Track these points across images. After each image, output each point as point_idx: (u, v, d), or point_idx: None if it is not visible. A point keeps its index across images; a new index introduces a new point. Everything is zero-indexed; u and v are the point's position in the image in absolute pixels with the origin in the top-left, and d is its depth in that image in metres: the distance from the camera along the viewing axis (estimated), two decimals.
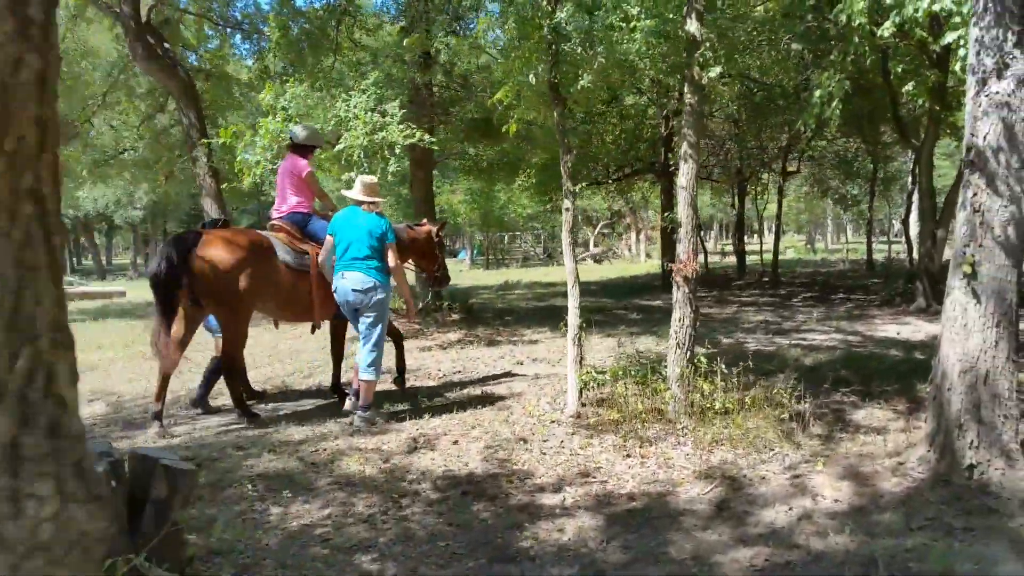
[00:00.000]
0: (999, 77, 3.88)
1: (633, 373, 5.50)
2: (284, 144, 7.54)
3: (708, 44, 5.16)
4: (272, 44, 11.24)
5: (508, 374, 7.47)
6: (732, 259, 25.45)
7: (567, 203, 5.67)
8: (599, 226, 44.21)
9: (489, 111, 9.70)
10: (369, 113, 8.37)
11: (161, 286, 5.22)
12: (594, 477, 4.29)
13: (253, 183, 8.71)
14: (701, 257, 23.00)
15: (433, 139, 9.08)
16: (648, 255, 36.60)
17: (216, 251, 5.31)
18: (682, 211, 5.07)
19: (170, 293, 5.26)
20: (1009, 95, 3.85)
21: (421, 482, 4.26)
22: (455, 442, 4.99)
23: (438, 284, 7.32)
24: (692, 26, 5.10)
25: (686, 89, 5.24)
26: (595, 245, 42.79)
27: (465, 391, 6.72)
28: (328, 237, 5.68)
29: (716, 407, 4.91)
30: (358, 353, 5.60)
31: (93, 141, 16.49)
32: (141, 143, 16.39)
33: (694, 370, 5.11)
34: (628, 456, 4.58)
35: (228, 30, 14.35)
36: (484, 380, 7.22)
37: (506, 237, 40.61)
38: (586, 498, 4.00)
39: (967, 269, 4.02)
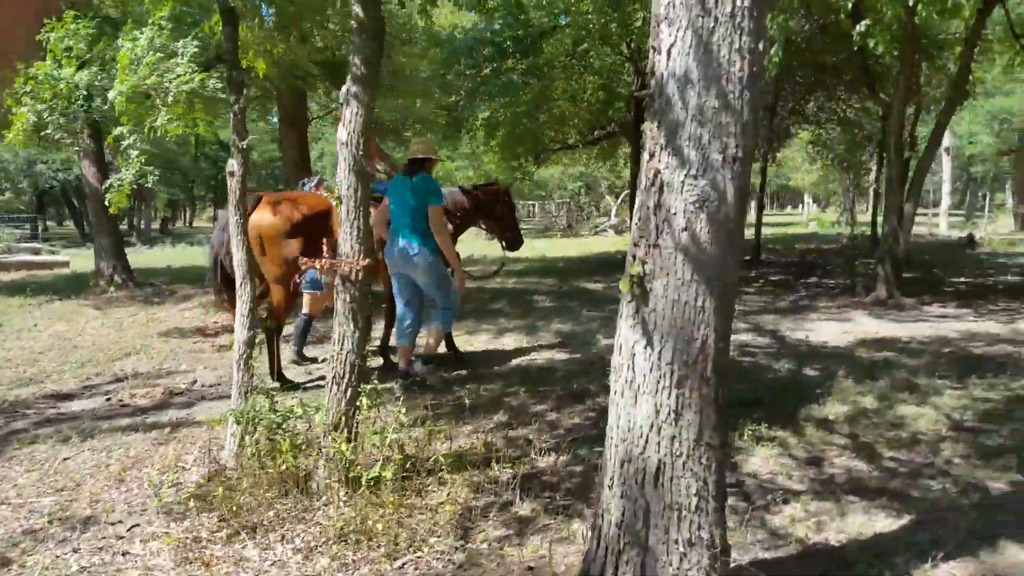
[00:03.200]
0: None
1: (304, 411, 3.87)
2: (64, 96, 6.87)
3: None
4: None
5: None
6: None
7: (233, 163, 4.03)
8: (621, 195, 42.04)
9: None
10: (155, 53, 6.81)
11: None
12: None
13: (23, 142, 7.28)
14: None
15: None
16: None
17: (268, 215, 5.45)
18: (344, 179, 3.42)
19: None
20: None
21: None
22: None
23: (511, 247, 7.05)
24: None
25: None
26: (616, 215, 40.68)
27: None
28: (384, 199, 5.66)
29: (373, 474, 3.32)
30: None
31: None
32: None
33: (355, 413, 3.51)
34: (187, 562, 3.03)
35: None
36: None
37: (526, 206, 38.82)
38: None
39: (626, 287, 2.35)
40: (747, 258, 16.28)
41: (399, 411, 3.51)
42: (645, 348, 2.31)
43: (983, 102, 24.83)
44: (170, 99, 6.63)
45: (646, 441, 2.33)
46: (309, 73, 9.01)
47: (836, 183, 30.72)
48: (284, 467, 3.40)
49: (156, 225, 41.71)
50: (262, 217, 5.44)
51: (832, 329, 7.92)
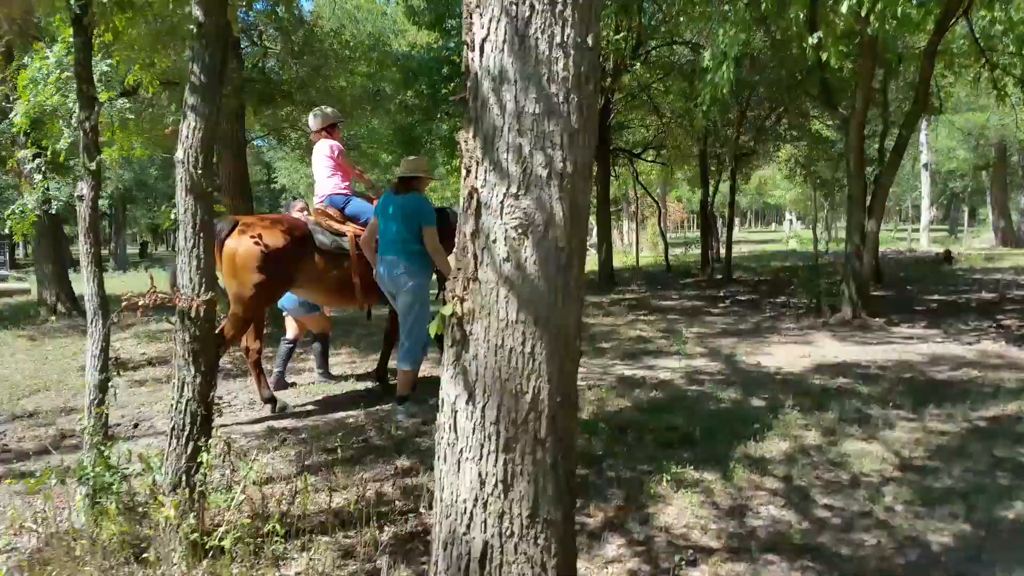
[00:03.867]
0: None
1: (147, 466, 3.38)
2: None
3: None
4: None
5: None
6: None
7: (82, 186, 3.60)
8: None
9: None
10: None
11: None
12: None
13: None
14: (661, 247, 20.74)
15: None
16: (631, 245, 33.90)
17: (243, 239, 5.21)
18: (180, 201, 3.00)
19: None
20: None
21: None
22: None
23: None
24: None
25: None
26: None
27: None
28: (373, 219, 5.51)
29: (214, 543, 2.86)
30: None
31: None
32: None
33: (197, 470, 3.07)
34: None
35: None
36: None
37: None
38: None
39: (436, 328, 1.95)
40: (718, 277, 15.97)
41: (248, 466, 3.07)
42: (467, 404, 1.90)
43: (957, 117, 24.74)
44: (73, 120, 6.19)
45: (470, 518, 1.91)
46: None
47: (813, 201, 30.52)
48: (117, 534, 2.94)
49: (136, 250, 41.16)
50: (239, 243, 5.22)
51: (790, 353, 7.53)
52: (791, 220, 48.19)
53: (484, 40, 1.84)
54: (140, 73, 4.86)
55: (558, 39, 1.80)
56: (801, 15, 7.91)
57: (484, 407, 1.88)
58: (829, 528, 3.43)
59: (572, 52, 1.82)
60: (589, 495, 3.79)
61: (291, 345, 6.55)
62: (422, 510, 3.59)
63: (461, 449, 1.92)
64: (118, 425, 5.35)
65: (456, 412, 1.93)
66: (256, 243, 5.22)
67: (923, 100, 8.85)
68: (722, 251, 17.79)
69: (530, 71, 1.80)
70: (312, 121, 6.33)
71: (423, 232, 5.15)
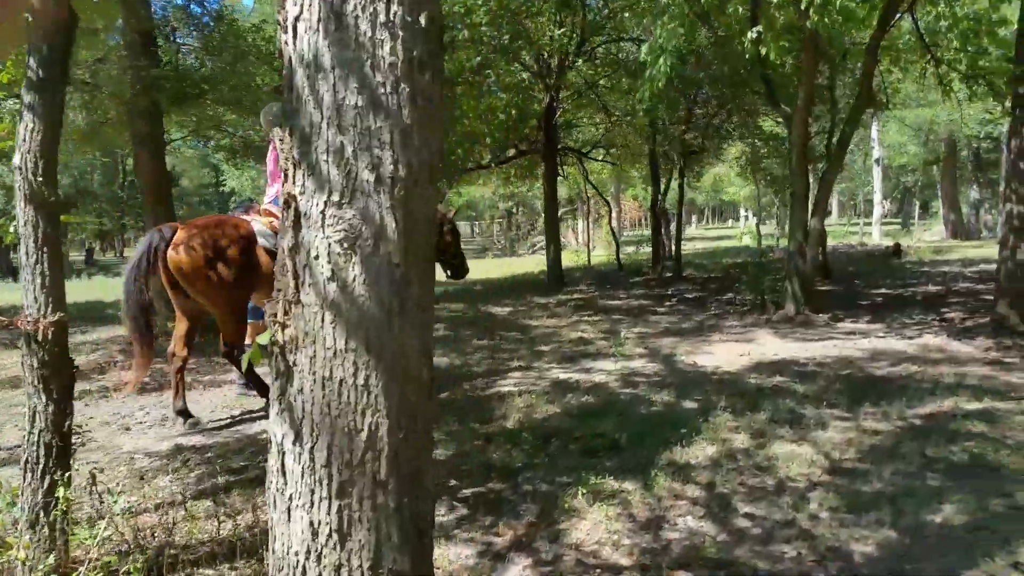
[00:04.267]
0: None
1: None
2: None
3: None
4: None
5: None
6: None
7: None
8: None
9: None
10: None
11: (136, 285, 5.04)
12: None
13: None
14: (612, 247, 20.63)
15: None
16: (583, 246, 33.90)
17: (189, 244, 5.07)
18: (21, 213, 2.69)
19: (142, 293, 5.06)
20: None
21: None
22: None
23: (455, 275, 6.87)
24: None
25: None
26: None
27: None
28: None
29: None
30: None
31: None
32: None
33: (55, 506, 2.77)
34: None
35: None
36: None
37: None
38: None
39: (255, 356, 1.71)
40: (668, 275, 15.92)
41: (114, 497, 2.79)
42: (294, 445, 1.66)
43: (907, 113, 25.10)
44: None
45: (303, 572, 1.67)
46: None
47: (768, 197, 30.85)
48: None
49: (81, 256, 39.94)
50: (180, 253, 5.11)
51: (730, 352, 7.42)
52: (746, 216, 48.73)
53: (297, 19, 1.60)
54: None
55: (382, 18, 1.57)
56: (740, 9, 7.81)
57: (313, 448, 1.64)
58: (748, 539, 3.26)
59: (401, 34, 1.58)
60: (501, 512, 3.58)
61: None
62: None
63: (291, 496, 1.68)
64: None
65: (284, 454, 1.69)
66: (199, 247, 5.10)
67: (866, 96, 8.80)
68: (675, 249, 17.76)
69: (350, 56, 1.56)
70: (263, 120, 6.17)
71: None
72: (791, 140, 9.39)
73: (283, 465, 1.69)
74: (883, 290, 12.23)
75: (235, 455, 4.59)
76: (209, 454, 4.68)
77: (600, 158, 19.25)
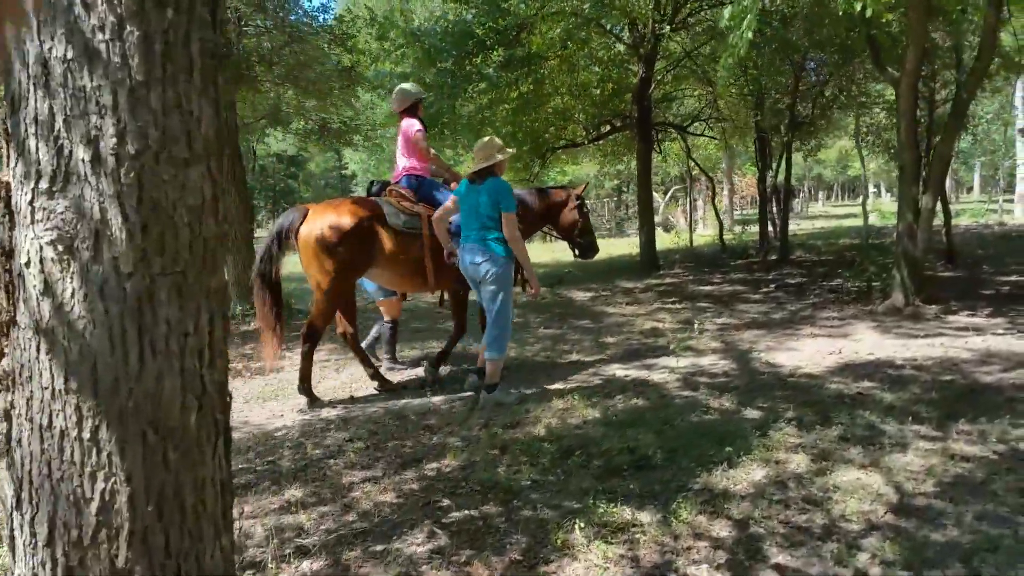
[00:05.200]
0: None
1: None
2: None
3: None
4: None
5: None
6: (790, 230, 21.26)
7: None
8: (671, 190, 40.27)
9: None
10: None
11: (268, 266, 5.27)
12: None
13: None
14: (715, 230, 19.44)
15: None
16: (696, 224, 32.35)
17: (314, 225, 5.27)
18: None
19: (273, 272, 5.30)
20: None
21: None
22: None
23: (583, 254, 6.65)
24: None
25: None
26: (662, 212, 38.88)
27: None
28: (449, 199, 5.39)
29: None
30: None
31: None
32: None
33: None
34: None
35: None
36: None
37: None
38: None
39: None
40: (773, 258, 14.80)
41: None
42: (17, 512, 1.26)
43: None
44: None
45: None
46: None
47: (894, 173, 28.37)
48: None
49: None
50: (311, 228, 5.30)
51: (818, 349, 6.58)
52: (876, 192, 45.42)
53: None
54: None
55: None
56: None
57: (34, 520, 1.24)
58: None
59: None
60: (484, 544, 3.11)
61: (392, 326, 6.65)
62: (272, 564, 3.00)
63: (15, 542, 1.29)
64: None
65: (12, 522, 1.29)
66: (329, 226, 5.25)
67: (988, 55, 7.59)
68: (790, 228, 16.52)
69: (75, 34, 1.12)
70: (394, 101, 6.27)
71: (503, 218, 5.03)
72: (899, 109, 8.25)
73: (12, 537, 1.29)
74: (1013, 277, 10.74)
75: (243, 453, 4.35)
76: None
77: (702, 133, 18.14)
